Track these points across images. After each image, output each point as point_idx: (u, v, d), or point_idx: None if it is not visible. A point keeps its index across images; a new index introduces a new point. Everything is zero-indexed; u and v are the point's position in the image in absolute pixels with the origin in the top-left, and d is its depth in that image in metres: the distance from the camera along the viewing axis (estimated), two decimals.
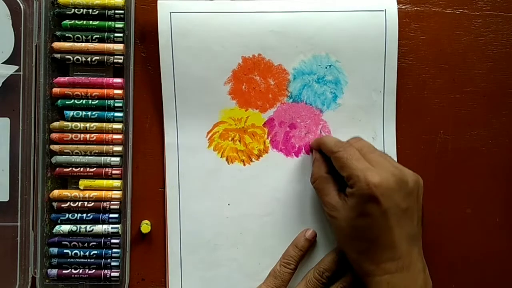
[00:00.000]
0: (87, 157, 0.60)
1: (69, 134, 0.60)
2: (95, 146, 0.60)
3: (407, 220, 0.53)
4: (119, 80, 0.60)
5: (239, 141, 0.62)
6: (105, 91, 0.60)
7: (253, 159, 0.62)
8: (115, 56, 0.60)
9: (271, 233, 0.62)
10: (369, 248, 0.53)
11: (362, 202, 0.52)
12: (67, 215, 0.60)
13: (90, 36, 0.60)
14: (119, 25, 0.60)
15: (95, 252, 0.60)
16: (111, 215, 0.60)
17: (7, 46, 0.59)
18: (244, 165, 0.62)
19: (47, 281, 0.60)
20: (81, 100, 0.60)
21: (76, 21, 0.60)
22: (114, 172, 0.60)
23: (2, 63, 0.59)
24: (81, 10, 0.60)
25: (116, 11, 0.60)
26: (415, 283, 0.53)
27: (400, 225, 0.52)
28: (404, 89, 0.63)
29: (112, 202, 0.60)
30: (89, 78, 0.60)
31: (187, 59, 0.60)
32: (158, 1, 0.60)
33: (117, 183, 0.60)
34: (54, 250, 0.60)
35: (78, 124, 0.60)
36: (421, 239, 0.55)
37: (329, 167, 0.58)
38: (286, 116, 0.62)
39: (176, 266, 0.61)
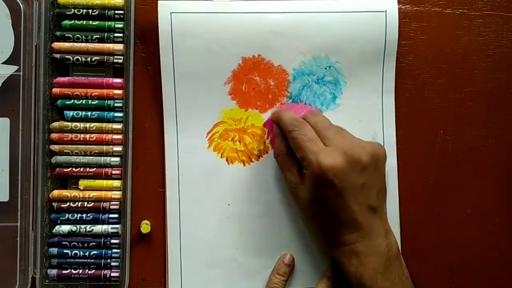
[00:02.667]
0: (87, 157, 0.60)
1: (69, 134, 0.60)
2: (95, 146, 0.60)
3: (365, 195, 0.54)
4: (119, 80, 0.60)
5: (239, 141, 0.62)
6: (105, 91, 0.60)
7: (253, 159, 0.62)
8: (115, 56, 0.60)
9: (271, 233, 0.62)
10: (329, 224, 0.55)
11: (317, 184, 0.53)
12: (67, 215, 0.60)
13: (90, 36, 0.60)
14: (119, 25, 0.60)
15: (95, 252, 0.60)
16: (111, 215, 0.60)
17: (7, 46, 0.59)
18: (244, 165, 0.62)
19: (47, 281, 0.60)
20: (81, 100, 0.60)
21: (76, 21, 0.60)
22: (114, 172, 0.60)
23: (2, 63, 0.59)
24: (81, 10, 0.60)
25: (116, 11, 0.60)
26: (378, 249, 0.54)
27: (358, 201, 0.53)
28: (404, 89, 0.63)
29: (112, 202, 0.60)
30: (89, 78, 0.60)
31: (188, 59, 0.60)
32: (159, 2, 0.60)
33: (117, 183, 0.60)
34: (54, 250, 0.60)
35: (78, 124, 0.60)
36: (384, 206, 0.57)
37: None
38: None
39: (176, 266, 0.61)
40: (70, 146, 0.60)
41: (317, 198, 0.54)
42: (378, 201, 0.55)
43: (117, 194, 0.60)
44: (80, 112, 0.60)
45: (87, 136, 0.60)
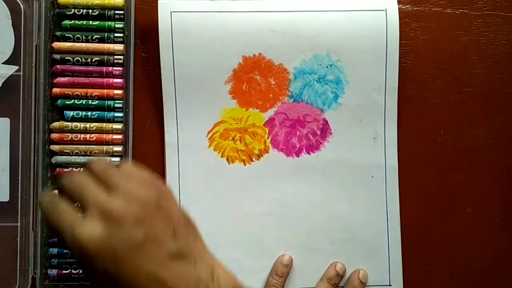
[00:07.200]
0: (87, 157, 0.60)
1: (69, 134, 0.60)
2: (95, 146, 0.60)
3: (152, 247, 0.41)
4: (119, 80, 0.60)
5: (240, 140, 0.62)
6: (105, 91, 0.60)
7: (253, 159, 0.62)
8: (115, 56, 0.60)
9: (271, 233, 0.62)
10: None
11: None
12: None
13: (90, 36, 0.60)
14: (119, 25, 0.60)
15: None
16: None
17: (7, 46, 0.59)
18: (245, 165, 0.62)
19: (47, 281, 0.60)
20: (81, 100, 0.60)
21: (76, 21, 0.60)
22: None
23: (2, 63, 0.59)
24: (81, 10, 0.60)
25: (116, 11, 0.60)
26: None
27: (146, 258, 0.41)
28: (404, 89, 0.63)
29: None
30: (89, 78, 0.60)
31: (188, 59, 0.60)
32: (159, 1, 0.60)
33: None
34: (54, 250, 0.59)
35: (78, 124, 0.60)
36: (189, 241, 0.44)
37: None
38: (287, 115, 0.62)
39: None
40: (70, 146, 0.60)
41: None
42: (177, 242, 0.43)
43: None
44: (80, 112, 0.60)
45: (87, 136, 0.60)
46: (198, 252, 0.45)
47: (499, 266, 0.63)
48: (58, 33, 0.60)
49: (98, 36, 0.60)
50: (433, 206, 0.63)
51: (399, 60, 0.61)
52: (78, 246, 0.40)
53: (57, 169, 0.60)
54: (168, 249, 0.42)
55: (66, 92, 0.60)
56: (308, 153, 0.62)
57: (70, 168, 0.60)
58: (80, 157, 0.60)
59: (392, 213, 0.62)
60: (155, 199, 0.43)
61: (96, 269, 0.41)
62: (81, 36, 0.60)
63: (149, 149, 0.62)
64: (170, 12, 0.60)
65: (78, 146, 0.60)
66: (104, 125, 0.60)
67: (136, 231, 0.41)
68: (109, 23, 0.60)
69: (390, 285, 0.62)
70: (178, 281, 0.41)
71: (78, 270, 0.59)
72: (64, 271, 0.59)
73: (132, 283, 0.41)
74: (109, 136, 0.60)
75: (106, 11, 0.60)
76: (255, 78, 0.61)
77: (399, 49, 0.61)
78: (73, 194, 0.43)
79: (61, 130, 0.60)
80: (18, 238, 0.59)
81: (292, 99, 0.62)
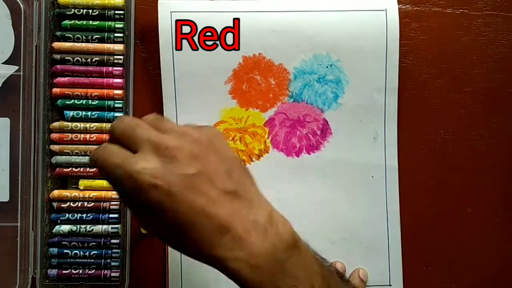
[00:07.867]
0: (87, 157, 0.60)
1: (69, 134, 0.60)
2: (95, 146, 0.60)
3: (206, 183, 0.41)
4: (119, 80, 0.60)
5: (240, 141, 0.61)
6: (105, 91, 0.60)
7: (253, 159, 0.62)
8: (115, 56, 0.60)
9: None
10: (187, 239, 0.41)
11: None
12: (67, 215, 0.60)
13: (90, 36, 0.60)
14: (119, 25, 0.60)
15: (95, 252, 0.60)
16: (111, 215, 0.60)
17: (7, 46, 0.59)
18: (245, 165, 0.61)
19: (47, 281, 0.60)
20: (81, 100, 0.60)
21: (76, 21, 0.60)
22: None
23: (2, 63, 0.59)
24: (81, 10, 0.60)
25: (116, 11, 0.60)
26: (261, 250, 0.42)
27: (200, 193, 0.41)
28: (404, 89, 0.63)
29: (112, 202, 0.60)
30: (89, 78, 0.60)
31: (188, 59, 0.60)
32: (159, 1, 0.60)
33: None
34: (54, 250, 0.59)
35: (78, 124, 0.60)
36: (246, 184, 0.44)
37: None
38: (287, 115, 0.62)
39: (176, 266, 0.61)
40: (70, 146, 0.60)
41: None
42: (234, 181, 0.43)
43: (117, 194, 0.60)
44: (80, 112, 0.60)
45: (87, 136, 0.60)
46: (255, 195, 0.45)
47: (499, 266, 0.63)
48: (58, 33, 0.60)
49: (98, 36, 0.60)
50: (433, 206, 0.63)
51: (399, 60, 0.61)
52: (131, 176, 0.40)
53: (57, 169, 0.60)
54: (222, 187, 0.42)
55: (66, 92, 0.60)
56: (308, 153, 0.62)
57: (70, 168, 0.60)
58: (80, 157, 0.60)
59: (392, 213, 0.62)
60: (208, 139, 0.44)
61: (148, 201, 0.40)
62: (81, 36, 0.60)
63: None
64: (170, 12, 0.60)
65: (78, 146, 0.60)
66: (104, 125, 0.60)
67: (189, 166, 0.41)
68: (109, 23, 0.60)
69: (390, 285, 0.62)
70: (233, 219, 0.41)
71: (78, 270, 0.59)
72: (64, 271, 0.59)
73: (185, 218, 0.40)
74: None
75: (106, 11, 0.60)
76: (255, 78, 0.61)
77: (399, 49, 0.61)
78: (124, 134, 0.44)
79: (61, 130, 0.60)
80: (18, 238, 0.59)
81: (292, 99, 0.62)
